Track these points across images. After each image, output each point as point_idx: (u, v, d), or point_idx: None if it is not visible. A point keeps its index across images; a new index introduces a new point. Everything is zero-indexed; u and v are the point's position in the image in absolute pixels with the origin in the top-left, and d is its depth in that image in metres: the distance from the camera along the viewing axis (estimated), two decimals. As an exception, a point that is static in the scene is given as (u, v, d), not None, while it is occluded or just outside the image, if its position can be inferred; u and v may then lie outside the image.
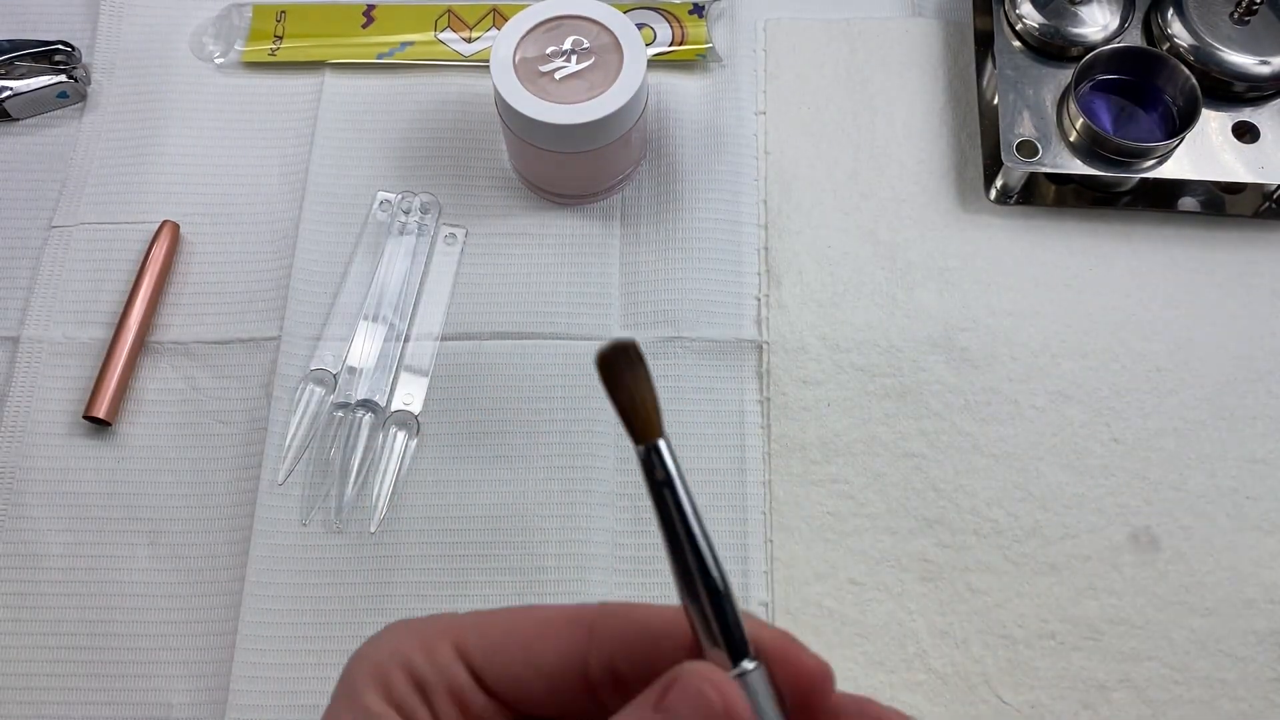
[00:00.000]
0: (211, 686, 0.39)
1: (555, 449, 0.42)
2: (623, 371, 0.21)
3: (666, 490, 0.20)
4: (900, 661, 0.40)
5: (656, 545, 0.41)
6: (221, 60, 0.50)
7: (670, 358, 0.44)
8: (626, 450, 0.43)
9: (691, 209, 0.47)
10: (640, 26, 0.46)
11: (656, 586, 0.40)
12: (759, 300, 0.46)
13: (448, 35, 0.49)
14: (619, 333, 0.45)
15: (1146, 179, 0.45)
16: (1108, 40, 0.47)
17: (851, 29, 0.50)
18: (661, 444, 0.20)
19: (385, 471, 0.42)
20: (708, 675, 0.18)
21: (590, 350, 0.39)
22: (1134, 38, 0.47)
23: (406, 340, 0.45)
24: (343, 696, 0.19)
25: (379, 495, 0.42)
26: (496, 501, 0.42)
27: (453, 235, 0.47)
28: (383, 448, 0.43)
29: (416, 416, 0.43)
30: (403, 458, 0.43)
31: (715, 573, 0.19)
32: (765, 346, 0.45)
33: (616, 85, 0.42)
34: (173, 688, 0.39)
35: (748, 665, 0.19)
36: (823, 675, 0.18)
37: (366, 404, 0.43)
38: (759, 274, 0.46)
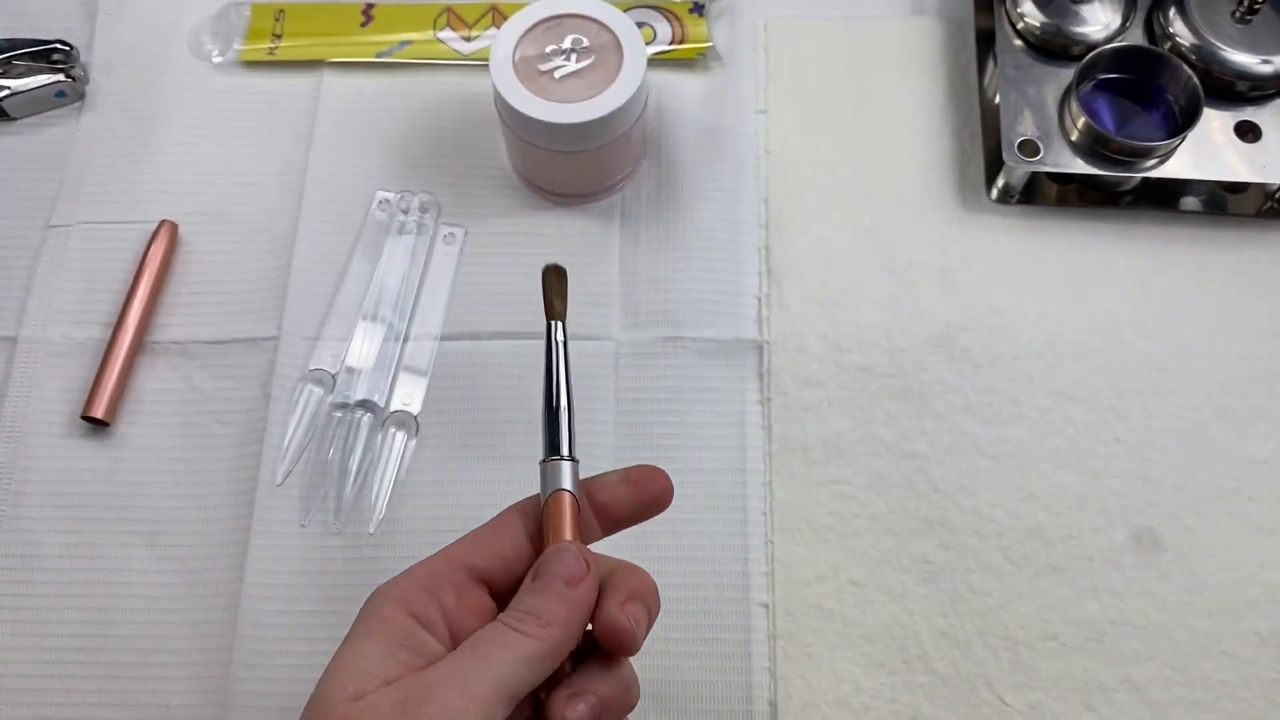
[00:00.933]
0: (209, 688, 0.39)
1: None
2: (556, 279, 0.31)
3: (556, 349, 0.30)
4: (901, 663, 0.40)
5: (655, 545, 0.40)
6: (220, 59, 0.50)
7: (671, 357, 0.44)
8: (627, 450, 0.43)
9: (692, 208, 0.47)
10: (640, 25, 0.46)
11: (660, 578, 0.39)
12: (760, 300, 0.46)
13: (447, 34, 0.50)
14: (618, 332, 0.45)
15: (1148, 178, 0.45)
16: (1109, 39, 0.47)
17: (853, 27, 0.50)
18: (560, 325, 0.31)
19: (384, 472, 0.42)
20: (562, 545, 0.26)
21: (591, 350, 0.43)
22: (1136, 37, 0.48)
23: (405, 340, 0.45)
24: (361, 618, 0.25)
25: (378, 496, 0.42)
26: (496, 503, 0.35)
27: (452, 235, 0.47)
28: (381, 448, 0.43)
29: (415, 417, 0.43)
30: (401, 458, 0.43)
31: (557, 398, 0.29)
32: (766, 346, 0.45)
33: (616, 84, 0.42)
34: (171, 689, 0.39)
35: (564, 457, 0.29)
36: (663, 489, 0.28)
37: (365, 404, 0.43)
38: (760, 273, 0.46)
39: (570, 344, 0.42)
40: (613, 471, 0.30)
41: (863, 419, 0.43)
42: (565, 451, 0.30)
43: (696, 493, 0.42)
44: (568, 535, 0.28)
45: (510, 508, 0.29)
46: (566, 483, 0.29)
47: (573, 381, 0.31)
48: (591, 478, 0.30)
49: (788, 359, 0.44)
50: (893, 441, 0.43)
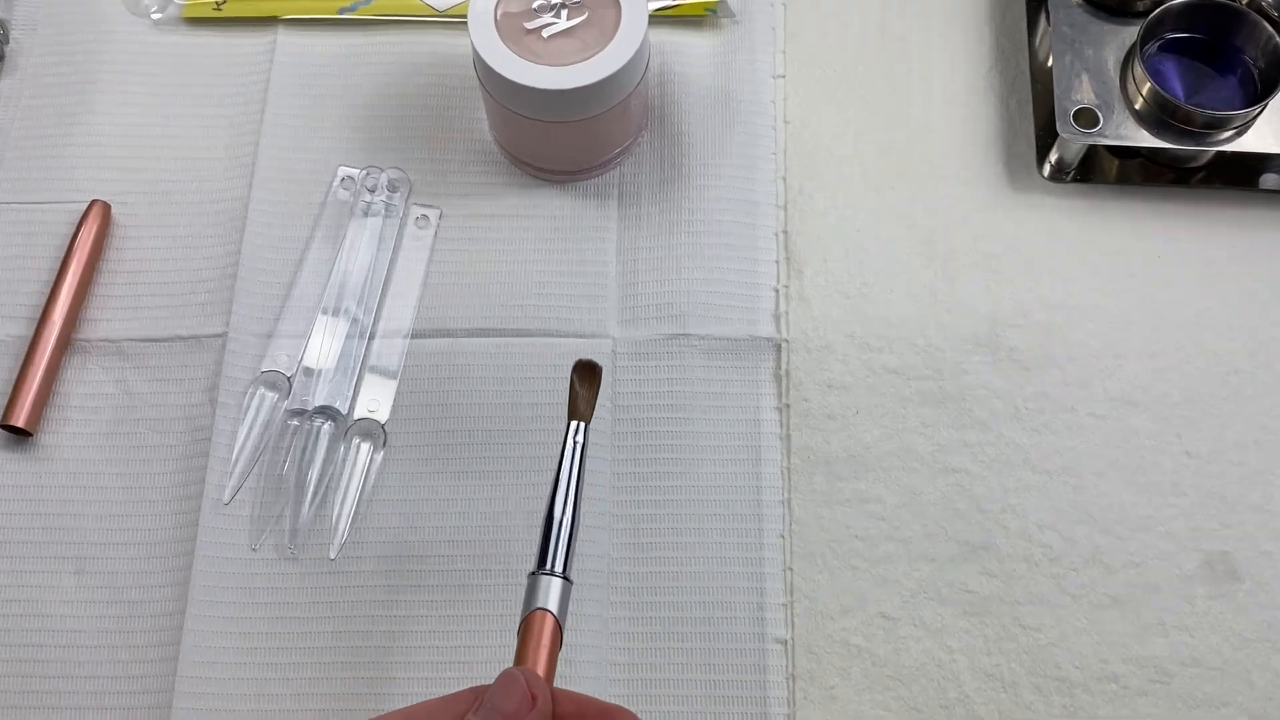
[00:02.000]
0: (147, 733, 0.39)
1: (542, 463, 0.42)
2: (585, 377, 0.35)
3: (573, 453, 0.33)
4: (940, 708, 0.39)
5: (658, 573, 0.41)
6: (159, 16, 0.49)
7: (675, 358, 0.44)
8: (623, 465, 0.43)
9: (700, 187, 0.47)
10: (640, -24, 0.45)
11: (654, 608, 0.40)
12: (777, 292, 0.45)
13: (419, -14, 0.49)
14: (616, 329, 0.45)
15: (1223, 152, 0.45)
16: (1178, -8, 0.46)
17: (884, -21, 0.50)
18: (582, 427, 0.34)
19: (347, 489, 0.42)
20: (514, 673, 0.26)
21: (584, 349, 0.43)
22: (1209, -11, 0.47)
23: (371, 338, 0.44)
24: None
25: (339, 516, 0.42)
26: (475, 524, 0.42)
27: (425, 217, 0.46)
28: (344, 462, 0.43)
29: (383, 426, 0.43)
30: (367, 473, 0.42)
31: (563, 508, 0.32)
32: (784, 345, 0.44)
33: (613, 45, 0.42)
34: (104, 734, 0.39)
35: (556, 573, 0.31)
36: None
37: (325, 411, 0.43)
38: (777, 262, 0.46)
39: (559, 342, 0.44)
40: (591, 700, 0.29)
41: (895, 428, 0.43)
42: (559, 568, 0.31)
43: (704, 513, 0.42)
44: (535, 660, 0.29)
45: (468, 689, 0.29)
46: (552, 603, 0.30)
47: (583, 491, 0.34)
48: (565, 691, 0.30)
49: (809, 360, 0.44)
50: (929, 454, 0.43)
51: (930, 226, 0.46)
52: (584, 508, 0.40)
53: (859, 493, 0.42)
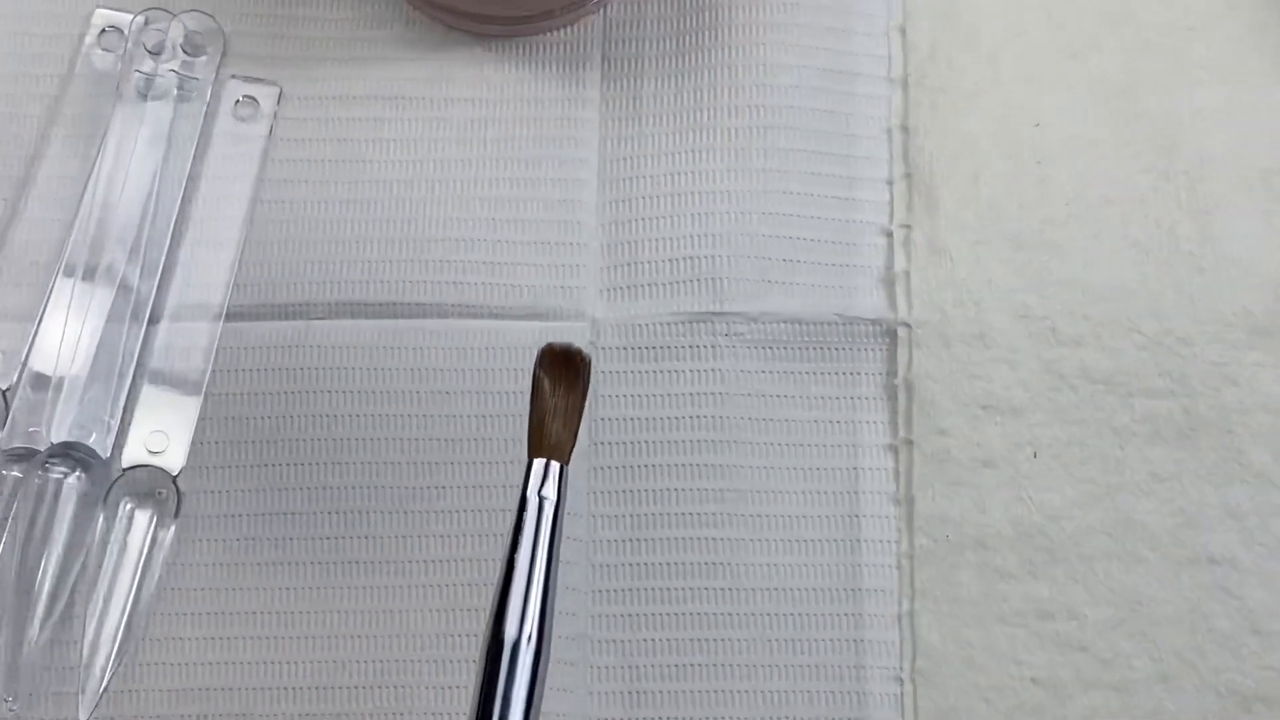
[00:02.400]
0: None
1: (472, 544, 0.42)
2: (559, 377, 0.36)
3: (538, 516, 0.34)
4: None
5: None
6: None
7: (703, 357, 0.44)
8: (606, 554, 0.42)
9: (745, 45, 0.46)
10: None
11: None
12: (890, 238, 0.45)
13: None
14: (597, 304, 0.44)
15: None
16: None
17: None
18: (556, 470, 0.35)
19: (110, 593, 0.41)
20: None
21: (543, 338, 0.41)
22: None
23: (155, 321, 0.44)
24: None
25: (96, 644, 0.41)
26: (346, 658, 0.41)
27: (251, 100, 0.45)
28: (104, 543, 0.42)
29: (174, 479, 0.42)
30: (145, 564, 0.41)
31: (520, 619, 0.33)
32: (905, 333, 0.44)
33: None
34: None
35: None
36: None
37: (71, 453, 0.42)
38: (889, 183, 0.45)
39: (493, 327, 0.44)
40: None
41: (1103, 484, 0.42)
42: None
43: (749, 638, 0.42)
44: None
45: None
46: None
47: (555, 596, 0.33)
48: None
49: (948, 360, 0.43)
50: (1166, 532, 0.42)
51: (1170, 115, 0.45)
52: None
53: (1037, 601, 0.41)
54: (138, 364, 0.43)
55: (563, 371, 0.36)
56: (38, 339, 0.43)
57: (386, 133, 0.45)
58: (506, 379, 0.43)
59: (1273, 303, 0.44)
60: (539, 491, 0.34)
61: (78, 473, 0.41)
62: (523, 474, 0.35)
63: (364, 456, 0.42)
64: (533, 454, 0.35)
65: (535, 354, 0.37)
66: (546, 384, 0.36)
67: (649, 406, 0.43)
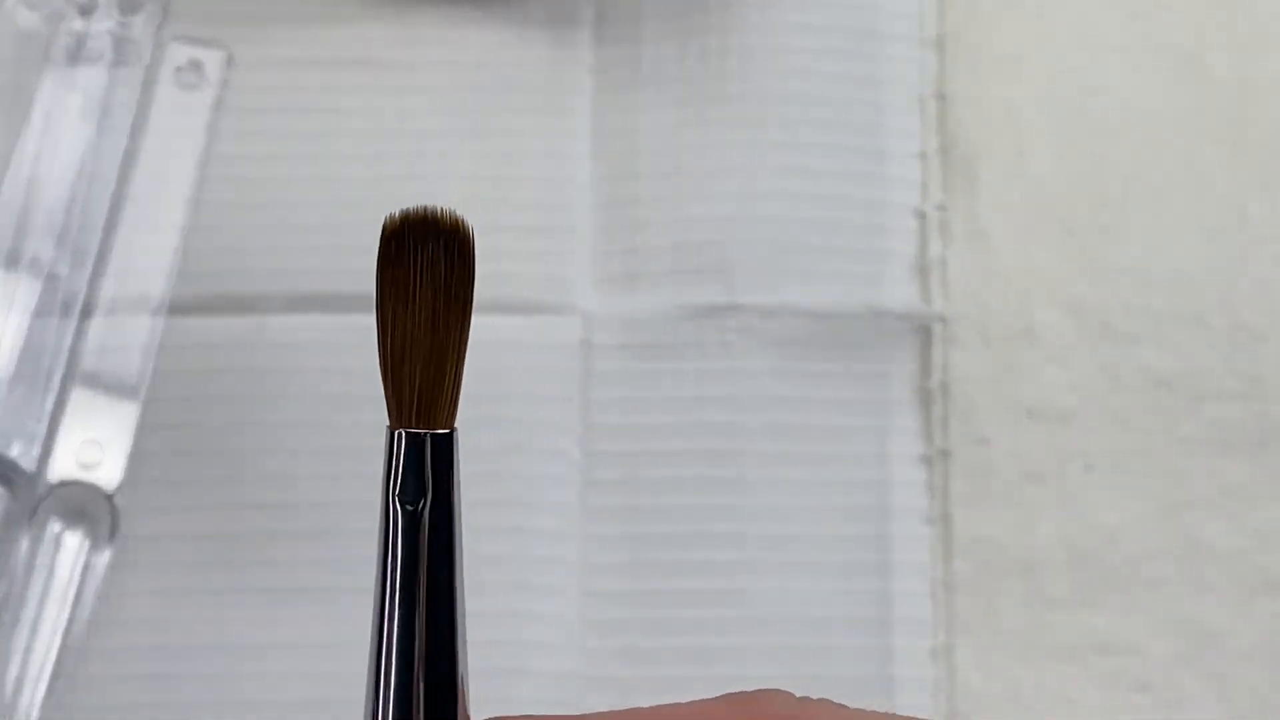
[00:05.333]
0: None
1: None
2: (401, 263, 0.26)
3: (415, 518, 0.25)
4: None
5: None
6: None
7: (713, 355, 0.43)
8: (602, 579, 0.41)
9: (759, 2, 0.45)
10: None
11: None
12: (923, 219, 0.44)
13: None
14: (590, 294, 0.44)
15: None
16: None
17: None
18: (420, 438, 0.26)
19: (36, 626, 0.40)
20: None
21: (531, 337, 0.43)
22: None
23: (87, 315, 0.43)
24: None
25: (20, 683, 0.40)
26: (308, 693, 0.41)
27: (196, 65, 0.45)
28: (30, 569, 0.41)
29: (110, 497, 0.41)
30: (76, 592, 0.41)
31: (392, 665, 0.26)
32: (939, 328, 0.43)
33: None
34: None
35: None
36: None
37: None
38: (922, 157, 0.44)
39: (489, 319, 0.40)
40: None
41: (1167, 501, 0.42)
42: None
43: (765, 676, 0.37)
44: None
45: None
46: None
47: (463, 623, 0.26)
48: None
49: (989, 358, 0.43)
50: (1238, 554, 0.41)
51: (1243, 89, 0.45)
52: (525, 663, 0.41)
53: (1091, 634, 0.41)
54: (67, 365, 0.42)
55: (425, 263, 0.26)
56: (-48, 338, 0.41)
57: (349, 102, 0.44)
58: (486, 382, 0.39)
59: (1363, 299, 0.43)
60: (397, 496, 0.25)
61: (0, 490, 0.41)
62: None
63: (324, 470, 0.41)
64: (393, 423, 0.25)
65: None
66: (391, 300, 0.25)
67: (650, 412, 0.42)
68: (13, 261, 0.43)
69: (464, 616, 0.25)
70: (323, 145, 0.44)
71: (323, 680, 0.41)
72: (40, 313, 0.42)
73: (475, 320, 0.39)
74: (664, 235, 0.43)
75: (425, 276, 0.24)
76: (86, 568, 0.40)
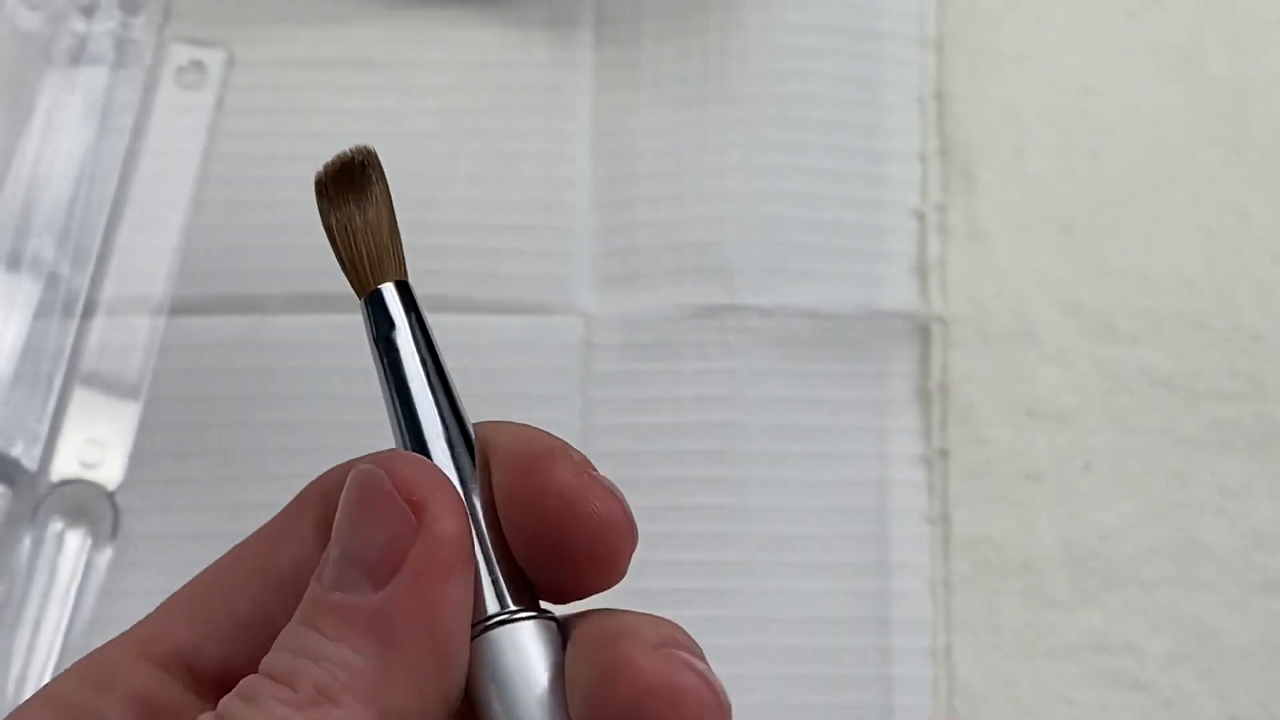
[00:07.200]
0: None
1: None
2: (355, 186, 0.30)
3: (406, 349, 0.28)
4: None
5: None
6: None
7: (712, 355, 0.43)
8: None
9: (759, 2, 0.46)
10: None
11: None
12: (922, 220, 0.44)
13: None
14: (590, 295, 0.44)
15: None
16: None
17: None
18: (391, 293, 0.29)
19: (38, 626, 0.40)
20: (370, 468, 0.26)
21: (532, 338, 0.43)
22: None
23: (89, 316, 0.44)
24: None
25: (21, 683, 0.40)
26: None
27: (198, 65, 0.45)
28: (32, 569, 0.41)
29: (111, 495, 0.41)
30: (77, 591, 0.41)
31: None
32: (938, 328, 0.43)
33: None
34: None
35: None
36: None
37: None
38: (921, 158, 0.45)
39: (474, 321, 0.44)
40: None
41: (1166, 500, 0.42)
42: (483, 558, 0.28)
43: (765, 675, 0.41)
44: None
45: (304, 492, 0.29)
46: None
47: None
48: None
49: (989, 358, 0.43)
50: (1237, 553, 0.41)
51: (1242, 90, 0.45)
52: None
53: (1090, 633, 0.41)
54: (69, 365, 0.42)
55: (347, 189, 0.30)
56: (-50, 339, 0.42)
57: (350, 102, 0.45)
58: (486, 382, 0.41)
59: (1359, 299, 0.43)
60: (374, 338, 0.28)
61: (1, 488, 0.41)
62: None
63: (325, 469, 0.41)
64: (359, 291, 0.29)
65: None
66: (329, 203, 0.29)
67: (649, 412, 0.43)
68: (14, 262, 0.43)
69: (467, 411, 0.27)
70: (323, 146, 0.43)
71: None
72: (41, 313, 0.42)
73: (476, 320, 0.44)
74: (664, 235, 0.43)
75: (351, 210, 0.28)
76: (88, 566, 0.40)
